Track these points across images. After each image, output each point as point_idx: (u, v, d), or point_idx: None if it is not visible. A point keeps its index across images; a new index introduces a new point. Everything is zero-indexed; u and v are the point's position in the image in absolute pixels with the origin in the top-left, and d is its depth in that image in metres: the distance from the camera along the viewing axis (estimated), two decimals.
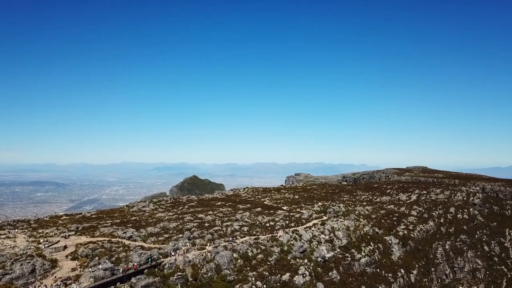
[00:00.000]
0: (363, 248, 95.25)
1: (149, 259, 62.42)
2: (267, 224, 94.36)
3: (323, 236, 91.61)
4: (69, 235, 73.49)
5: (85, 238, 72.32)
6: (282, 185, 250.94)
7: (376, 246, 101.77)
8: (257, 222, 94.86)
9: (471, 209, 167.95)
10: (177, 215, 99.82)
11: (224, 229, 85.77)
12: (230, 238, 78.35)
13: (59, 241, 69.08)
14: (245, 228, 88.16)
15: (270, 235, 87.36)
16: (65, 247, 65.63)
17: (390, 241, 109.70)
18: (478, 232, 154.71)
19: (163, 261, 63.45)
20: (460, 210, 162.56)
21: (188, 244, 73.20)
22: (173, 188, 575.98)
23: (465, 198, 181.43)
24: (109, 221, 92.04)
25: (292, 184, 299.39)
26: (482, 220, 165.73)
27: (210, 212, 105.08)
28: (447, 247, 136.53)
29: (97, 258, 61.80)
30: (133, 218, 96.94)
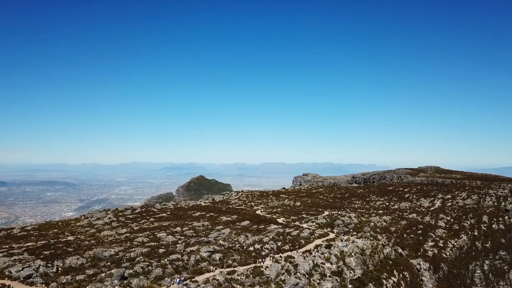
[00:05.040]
0: (384, 281, 68.24)
1: None
2: (251, 248, 67.67)
3: (328, 265, 64.79)
4: None
5: None
6: (284, 188, 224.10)
7: (401, 275, 74.70)
8: (237, 245, 68.11)
9: (505, 217, 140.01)
10: (129, 234, 73.50)
11: (186, 258, 59.29)
12: (177, 280, 50.86)
13: None
14: (217, 256, 61.57)
15: (252, 265, 60.90)
16: None
17: (418, 266, 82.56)
18: None
19: None
20: (495, 219, 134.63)
21: None
22: (180, 188, 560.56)
23: (495, 204, 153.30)
24: (32, 243, 66.37)
25: (300, 184, 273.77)
26: None
27: (178, 229, 78.63)
28: (485, 267, 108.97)
29: None
30: (68, 238, 71.15)
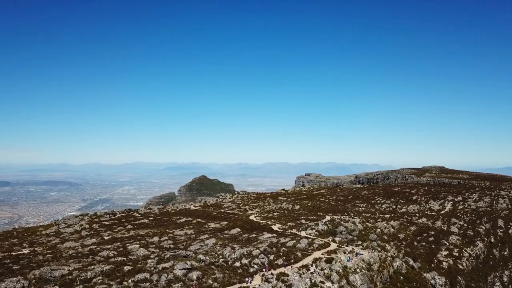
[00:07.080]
0: None
1: None
2: (237, 264, 56.98)
3: (329, 284, 54.03)
4: None
5: None
6: (283, 189, 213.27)
7: None
8: (220, 260, 57.42)
9: None
10: (95, 245, 62.86)
11: (155, 278, 48.71)
12: None
13: None
14: (195, 274, 50.94)
15: (237, 285, 50.31)
16: None
17: (433, 281, 71.67)
18: None
19: None
20: (511, 223, 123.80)
21: None
22: (182, 188, 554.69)
23: (509, 206, 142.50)
24: None
25: (303, 184, 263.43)
26: None
27: (155, 239, 67.99)
28: (505, 278, 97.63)
29: None
30: (24, 250, 60.59)
